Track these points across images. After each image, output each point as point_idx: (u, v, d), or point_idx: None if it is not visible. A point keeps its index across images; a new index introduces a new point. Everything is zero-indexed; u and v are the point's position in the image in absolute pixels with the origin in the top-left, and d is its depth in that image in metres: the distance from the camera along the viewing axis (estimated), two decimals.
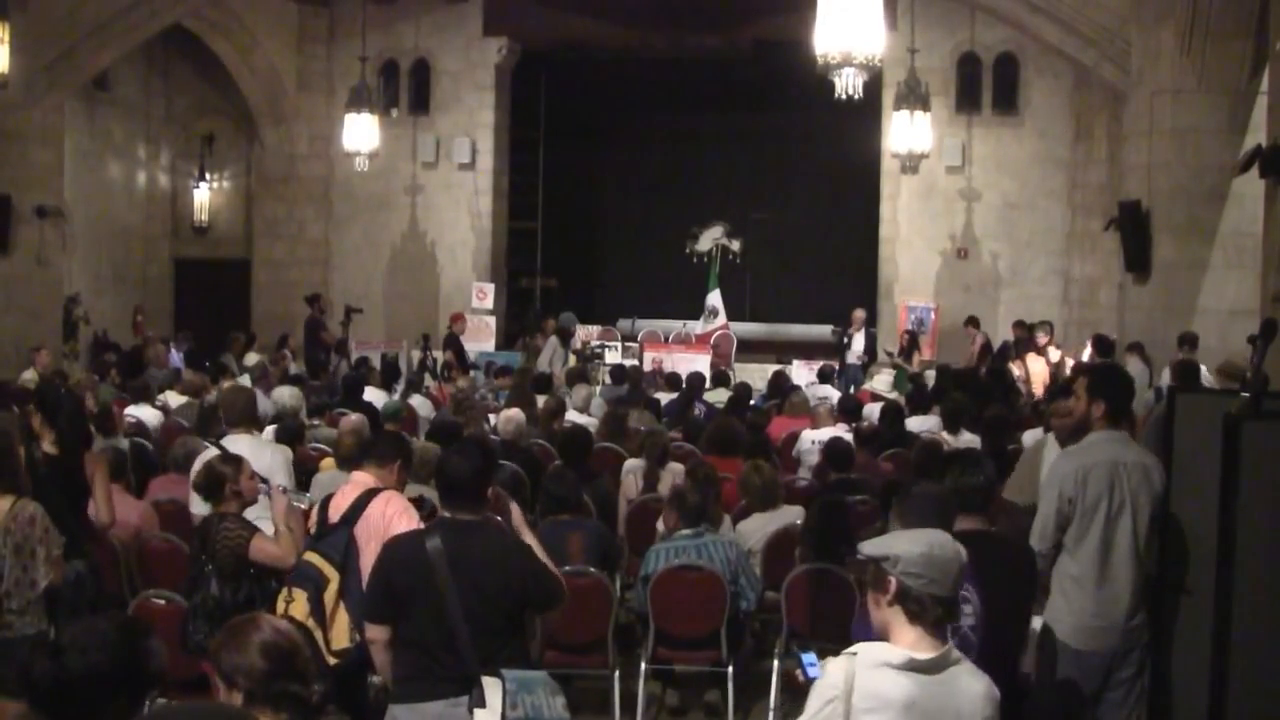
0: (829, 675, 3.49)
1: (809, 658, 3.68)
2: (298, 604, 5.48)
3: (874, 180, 20.72)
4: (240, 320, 21.05)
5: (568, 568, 7.10)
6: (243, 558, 5.93)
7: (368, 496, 5.81)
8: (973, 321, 18.86)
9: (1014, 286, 20.37)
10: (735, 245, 23.46)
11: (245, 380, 13.43)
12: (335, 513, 5.86)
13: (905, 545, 3.51)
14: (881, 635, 3.54)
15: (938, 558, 3.47)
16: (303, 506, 7.31)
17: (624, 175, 25.17)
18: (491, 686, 4.44)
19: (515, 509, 5.19)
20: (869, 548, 3.58)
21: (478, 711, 4.42)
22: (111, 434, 9.42)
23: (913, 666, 3.42)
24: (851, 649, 3.51)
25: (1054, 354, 16.50)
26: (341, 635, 5.45)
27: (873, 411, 12.31)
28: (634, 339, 20.43)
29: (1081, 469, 5.55)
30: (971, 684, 3.50)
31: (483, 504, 4.89)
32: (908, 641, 3.46)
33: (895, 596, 3.47)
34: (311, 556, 5.62)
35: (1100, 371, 6.28)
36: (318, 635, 5.43)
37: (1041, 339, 16.96)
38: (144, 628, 3.41)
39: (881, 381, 15.20)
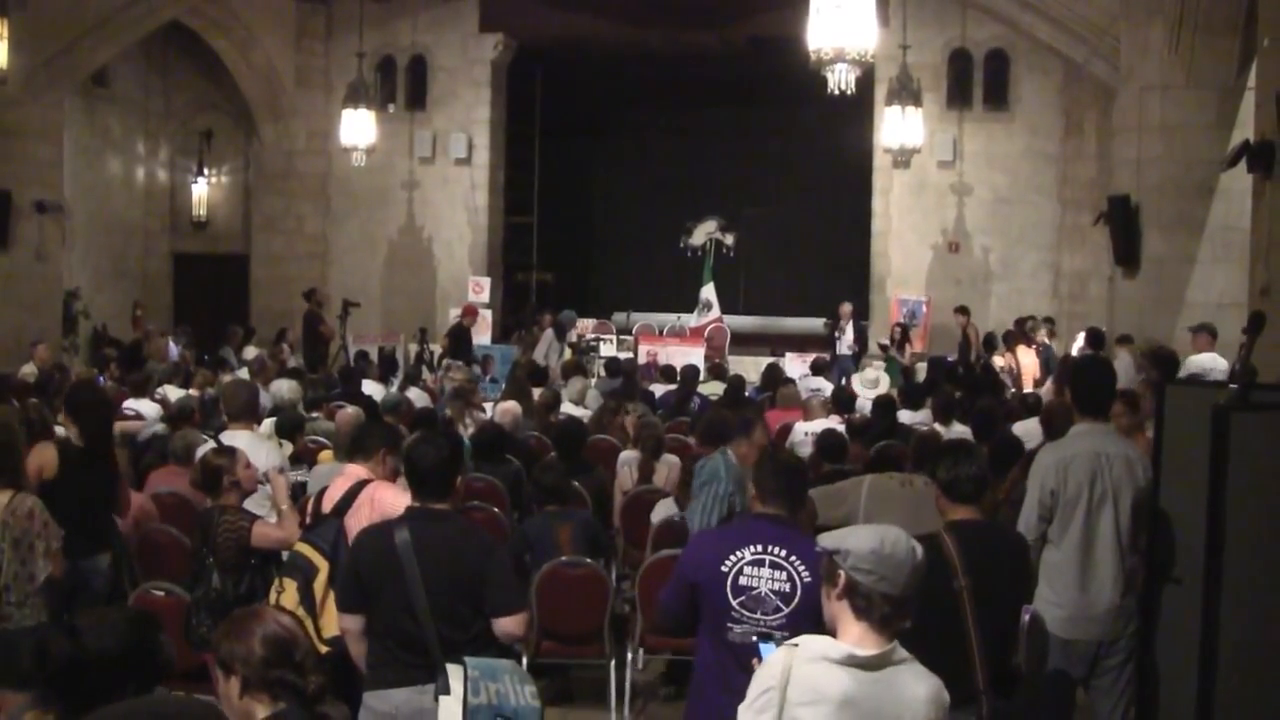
0: (768, 665, 3.47)
1: (768, 647, 3.71)
2: (288, 593, 5.51)
3: (866, 175, 20.79)
4: (239, 314, 21.10)
5: (564, 559, 7.17)
6: (245, 547, 5.97)
7: (358, 488, 5.90)
8: (962, 310, 18.85)
9: (1005, 280, 20.47)
10: (729, 239, 23.44)
11: (243, 374, 13.50)
12: (328, 504, 5.96)
13: (856, 540, 3.46)
14: (831, 629, 3.50)
15: (888, 555, 3.41)
16: (298, 479, 7.39)
17: (619, 170, 25.20)
18: (454, 674, 4.47)
19: None
20: (825, 540, 3.54)
21: (442, 699, 4.45)
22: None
23: (852, 662, 3.37)
24: (794, 640, 3.49)
25: (1024, 354, 16.31)
26: (331, 624, 5.46)
27: (865, 404, 12.40)
28: (629, 332, 20.48)
29: (1062, 461, 5.61)
30: (915, 685, 3.41)
31: (450, 492, 4.97)
32: (852, 637, 3.42)
33: (843, 591, 3.43)
34: (301, 546, 5.65)
35: (1074, 362, 6.36)
36: (308, 624, 5.48)
37: (1043, 336, 17.03)
38: (154, 621, 3.53)
39: (865, 379, 15.24)
